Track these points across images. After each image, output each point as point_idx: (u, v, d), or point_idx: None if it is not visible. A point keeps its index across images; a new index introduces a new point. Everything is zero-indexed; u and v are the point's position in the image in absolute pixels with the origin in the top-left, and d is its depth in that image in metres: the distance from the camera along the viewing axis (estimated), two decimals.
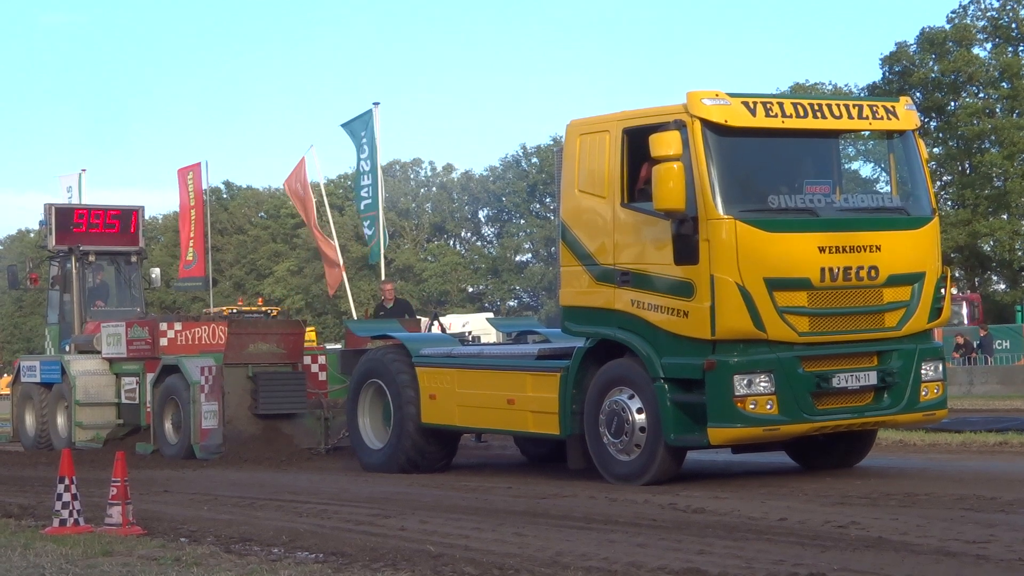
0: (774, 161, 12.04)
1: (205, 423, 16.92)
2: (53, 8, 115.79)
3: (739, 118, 11.51)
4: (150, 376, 18.42)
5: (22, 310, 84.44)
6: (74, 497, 9.96)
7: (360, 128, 26.06)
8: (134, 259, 22.17)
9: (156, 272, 23.49)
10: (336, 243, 28.73)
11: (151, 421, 18.30)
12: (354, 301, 34.40)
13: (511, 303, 74.25)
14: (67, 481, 9.94)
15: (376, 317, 19.52)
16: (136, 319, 20.04)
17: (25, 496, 13.04)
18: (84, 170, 33.42)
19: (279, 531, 9.72)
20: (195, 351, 18.19)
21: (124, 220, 22.03)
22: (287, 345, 17.22)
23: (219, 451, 16.74)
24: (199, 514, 11.12)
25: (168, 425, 17.82)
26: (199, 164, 30.46)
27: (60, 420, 20.12)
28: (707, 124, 11.43)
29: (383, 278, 23.95)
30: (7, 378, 40.74)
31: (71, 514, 9.93)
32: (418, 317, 19.64)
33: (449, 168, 79.06)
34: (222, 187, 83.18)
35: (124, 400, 19.41)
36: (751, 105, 11.59)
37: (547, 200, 73.85)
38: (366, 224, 26.87)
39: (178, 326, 18.79)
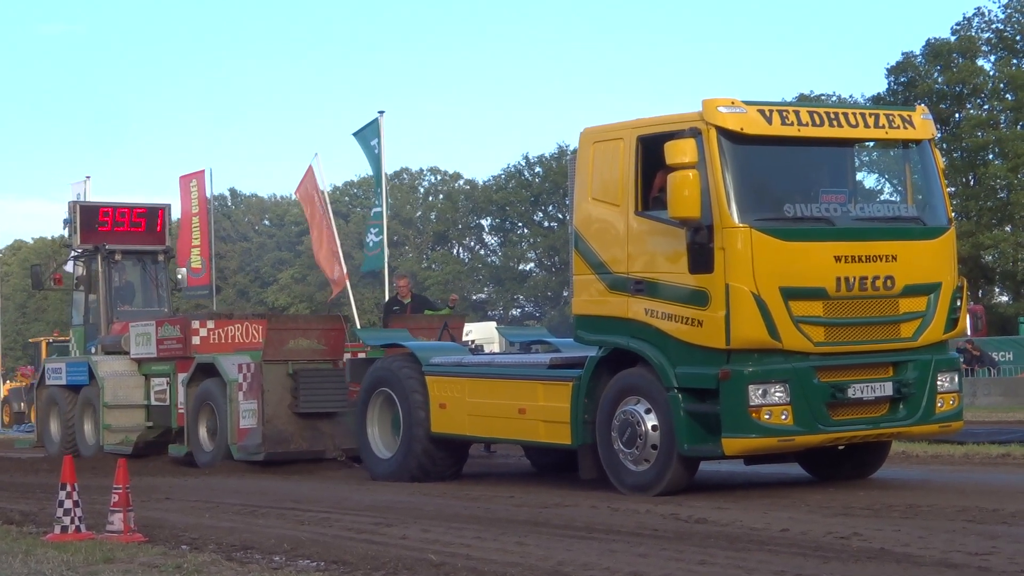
0: (790, 169, 11.96)
1: (243, 422, 16.44)
2: (50, 18, 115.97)
3: (755, 126, 11.42)
4: (182, 376, 17.97)
5: (25, 316, 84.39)
6: (75, 504, 9.89)
7: (371, 137, 26.04)
8: (161, 258, 21.73)
9: (183, 272, 23.15)
10: (340, 251, 28.69)
11: (184, 423, 17.81)
12: (357, 309, 34.34)
13: (514, 312, 74.21)
14: (68, 488, 9.88)
15: (390, 313, 18.86)
16: (167, 318, 19.58)
17: (27, 503, 13.00)
18: (88, 177, 33.40)
19: (280, 539, 9.67)
20: (228, 350, 17.71)
21: (150, 218, 21.64)
22: (328, 341, 16.62)
23: (258, 451, 16.26)
24: (200, 522, 11.07)
25: (203, 431, 17.37)
26: (203, 171, 30.41)
27: (87, 424, 19.64)
28: (723, 132, 11.35)
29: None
30: (8, 384, 40.63)
31: (72, 521, 9.86)
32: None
33: (456, 176, 79.09)
34: (227, 194, 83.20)
35: (154, 402, 18.92)
36: (767, 113, 11.51)
37: (550, 209, 73.83)
38: (373, 232, 26.82)
39: (211, 324, 18.24)
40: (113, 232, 21.20)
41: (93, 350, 20.59)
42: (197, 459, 17.39)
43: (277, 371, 16.31)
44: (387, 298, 22.84)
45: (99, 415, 19.14)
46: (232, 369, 16.73)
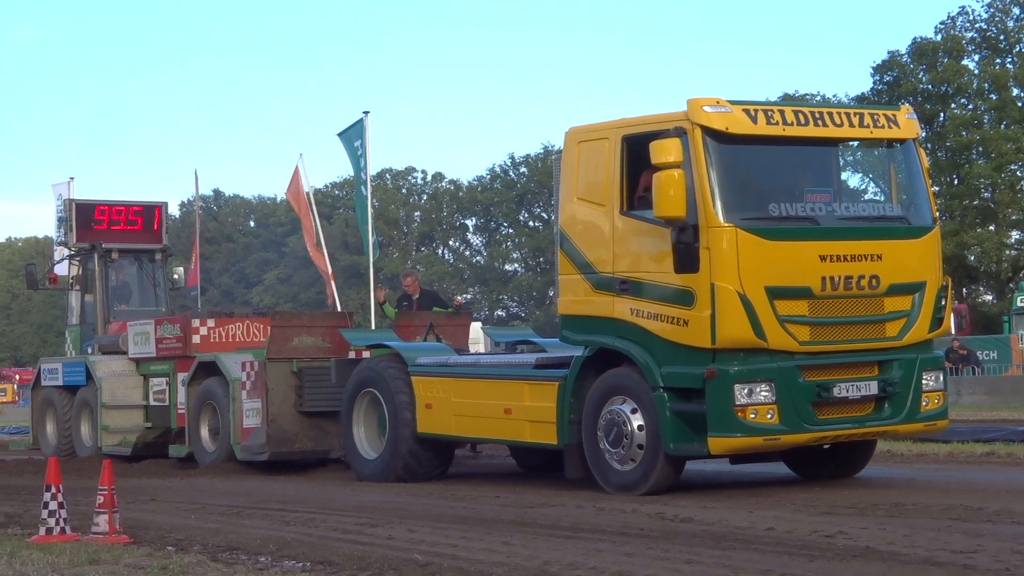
0: (775, 169, 11.95)
1: (247, 422, 16.08)
2: (25, 23, 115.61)
3: (740, 125, 11.42)
4: (182, 376, 17.65)
5: (9, 318, 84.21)
6: (60, 505, 9.85)
7: (355, 137, 25.95)
8: (158, 257, 21.41)
9: (180, 271, 22.88)
10: (325, 253, 28.58)
11: (185, 423, 17.48)
12: (343, 310, 34.25)
13: (499, 312, 74.22)
14: (53, 489, 9.84)
15: (400, 309, 18.36)
16: (166, 317, 19.24)
17: (11, 504, 12.91)
18: (72, 178, 33.24)
19: (266, 540, 9.64)
20: (229, 348, 17.39)
21: (147, 216, 21.29)
22: (333, 339, 16.25)
23: (262, 451, 15.92)
24: (186, 523, 11.03)
25: (205, 431, 17.06)
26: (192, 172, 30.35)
27: (84, 425, 19.26)
28: (708, 131, 11.34)
29: (374, 284, 23.52)
30: None
31: (57, 522, 9.82)
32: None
33: (439, 177, 79.06)
34: (211, 195, 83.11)
35: (152, 402, 18.52)
36: (752, 112, 11.51)
37: (535, 209, 73.86)
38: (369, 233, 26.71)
39: (211, 323, 17.84)
40: (109, 230, 20.84)
41: (90, 350, 20.28)
42: (199, 460, 17.12)
43: (281, 369, 15.95)
44: (373, 298, 22.57)
45: (97, 416, 18.75)
46: (235, 368, 16.42)
